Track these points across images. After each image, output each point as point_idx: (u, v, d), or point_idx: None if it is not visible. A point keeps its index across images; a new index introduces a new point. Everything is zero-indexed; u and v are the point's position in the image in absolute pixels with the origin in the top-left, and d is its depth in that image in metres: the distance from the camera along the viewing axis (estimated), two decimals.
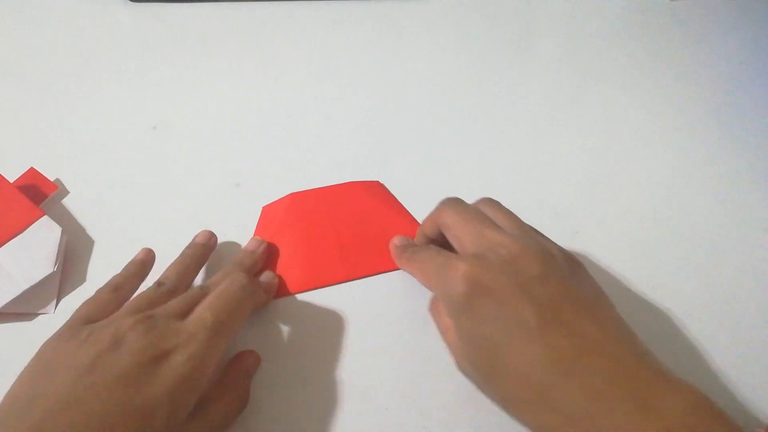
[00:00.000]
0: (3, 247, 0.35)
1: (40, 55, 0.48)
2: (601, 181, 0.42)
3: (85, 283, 0.36)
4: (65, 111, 0.44)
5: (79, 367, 0.25)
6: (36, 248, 0.36)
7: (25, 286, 0.34)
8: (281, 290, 0.35)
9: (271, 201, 0.39)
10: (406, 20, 0.51)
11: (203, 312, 0.28)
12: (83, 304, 0.30)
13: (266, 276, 0.35)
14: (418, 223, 0.37)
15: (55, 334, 0.28)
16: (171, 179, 0.41)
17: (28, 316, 0.34)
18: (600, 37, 0.51)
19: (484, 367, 0.26)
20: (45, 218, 0.36)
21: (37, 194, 0.39)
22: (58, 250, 0.35)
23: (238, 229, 0.38)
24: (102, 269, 0.37)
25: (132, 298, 0.30)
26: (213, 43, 0.49)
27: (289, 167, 0.42)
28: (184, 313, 0.28)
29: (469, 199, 0.35)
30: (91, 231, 0.38)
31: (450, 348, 0.30)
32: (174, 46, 0.49)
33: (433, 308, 0.32)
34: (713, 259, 0.38)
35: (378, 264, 0.36)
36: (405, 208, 0.39)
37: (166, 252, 0.37)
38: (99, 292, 0.31)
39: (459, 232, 0.30)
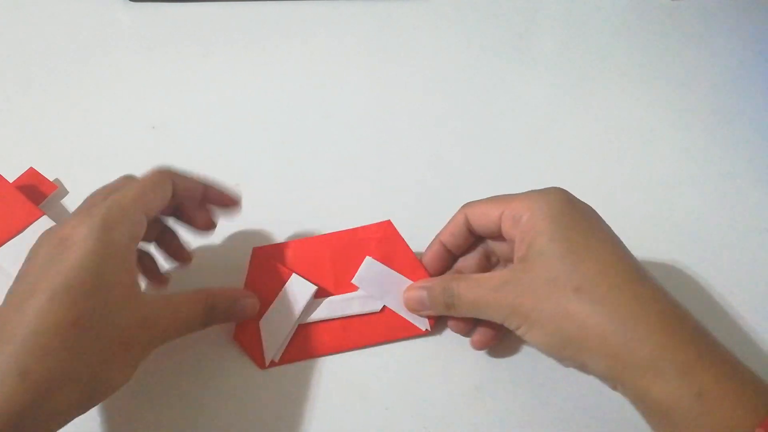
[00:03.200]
0: (3, 247, 0.35)
1: (39, 55, 0.48)
2: (601, 180, 0.42)
3: None
4: (65, 111, 0.44)
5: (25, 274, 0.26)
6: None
7: None
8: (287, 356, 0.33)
9: (264, 234, 0.38)
10: (406, 20, 0.51)
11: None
12: None
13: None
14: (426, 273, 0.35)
15: None
16: None
17: None
18: (600, 37, 0.51)
19: (573, 250, 0.27)
20: (44, 218, 0.36)
21: (36, 194, 0.39)
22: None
23: (238, 230, 0.38)
24: None
25: None
26: (213, 43, 0.49)
27: (289, 167, 0.42)
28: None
29: (468, 197, 0.35)
30: None
31: (538, 238, 0.28)
32: (174, 46, 0.49)
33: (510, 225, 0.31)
34: (713, 259, 0.38)
35: (385, 332, 0.34)
36: (413, 255, 0.35)
37: None
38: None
39: (498, 201, 0.31)
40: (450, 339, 0.34)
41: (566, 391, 0.33)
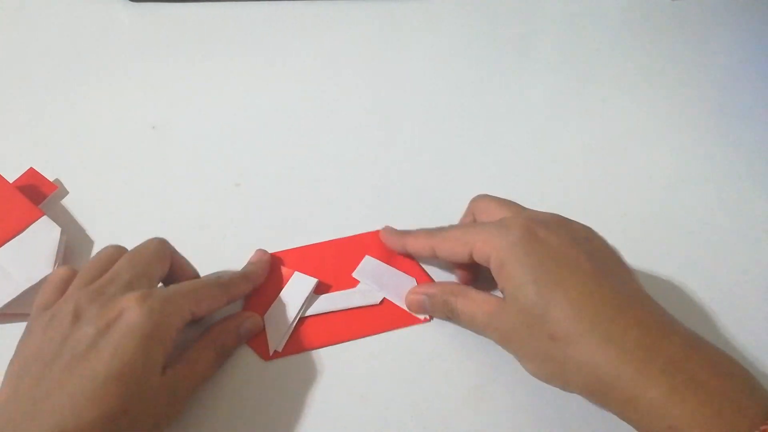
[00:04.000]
0: (3, 247, 0.35)
1: (40, 55, 0.48)
2: (602, 180, 0.42)
3: None
4: (65, 111, 0.44)
5: (49, 354, 0.26)
6: (36, 248, 0.35)
7: (25, 286, 0.34)
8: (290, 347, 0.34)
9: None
10: (406, 20, 0.51)
11: (168, 287, 0.30)
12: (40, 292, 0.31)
13: (254, 257, 0.36)
14: (429, 277, 0.36)
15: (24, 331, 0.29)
16: (171, 179, 0.41)
17: (28, 316, 0.34)
18: (600, 37, 0.51)
19: (543, 295, 0.27)
20: (44, 218, 0.36)
21: (36, 194, 0.39)
22: (58, 251, 0.35)
23: (238, 230, 0.38)
24: None
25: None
26: (213, 43, 0.49)
27: (289, 167, 0.42)
28: (143, 285, 0.29)
29: (468, 197, 0.35)
30: (91, 231, 0.38)
31: (507, 284, 0.29)
32: (174, 46, 0.49)
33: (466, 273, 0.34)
34: (713, 259, 0.38)
35: (385, 323, 0.35)
36: (412, 258, 0.37)
37: None
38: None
39: (498, 211, 0.32)
40: (450, 339, 0.34)
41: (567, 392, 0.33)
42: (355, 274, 0.35)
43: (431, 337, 0.34)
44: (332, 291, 0.35)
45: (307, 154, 0.43)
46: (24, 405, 0.25)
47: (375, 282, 0.35)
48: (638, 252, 0.38)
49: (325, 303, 0.35)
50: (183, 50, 0.49)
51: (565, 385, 0.28)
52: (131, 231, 0.38)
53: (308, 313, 0.35)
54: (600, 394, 0.26)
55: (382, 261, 0.36)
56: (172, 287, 0.30)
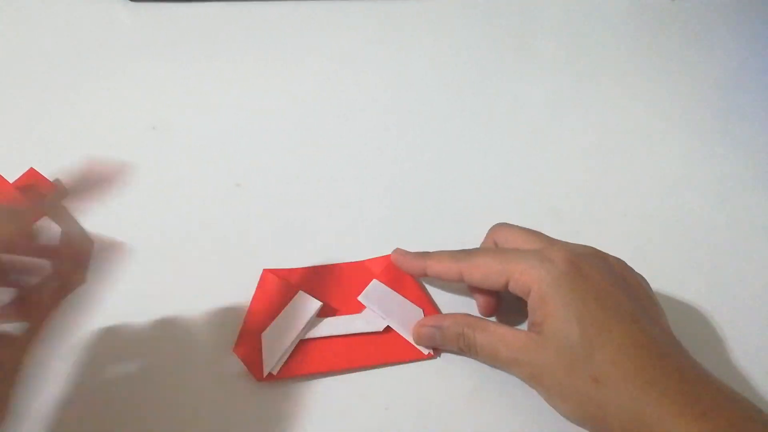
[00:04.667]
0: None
1: (40, 55, 0.47)
2: (602, 181, 0.42)
3: (84, 285, 0.36)
4: (65, 111, 0.44)
5: None
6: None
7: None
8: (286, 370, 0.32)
9: (274, 265, 0.38)
10: (406, 20, 0.51)
11: None
12: None
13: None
14: (436, 309, 0.35)
15: None
16: (171, 179, 0.41)
17: None
18: (600, 38, 0.51)
19: (587, 336, 0.27)
20: (44, 219, 0.36)
21: (36, 194, 0.39)
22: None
23: (239, 230, 0.38)
24: (101, 270, 0.37)
25: None
26: (213, 43, 0.49)
27: (289, 167, 0.42)
28: None
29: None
30: (91, 231, 0.38)
31: (548, 319, 0.28)
32: (174, 46, 0.49)
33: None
34: (714, 259, 0.38)
35: (387, 354, 0.34)
36: (419, 286, 0.36)
37: (165, 251, 0.37)
38: None
39: (525, 241, 0.31)
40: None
41: None
42: (360, 298, 0.34)
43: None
44: (336, 315, 0.34)
45: (308, 154, 0.43)
46: None
47: (381, 308, 0.34)
48: (638, 252, 0.38)
49: (327, 326, 0.34)
50: (183, 50, 0.49)
51: (602, 427, 0.27)
52: (131, 231, 0.38)
53: (308, 335, 0.33)
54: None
55: (390, 287, 0.35)
56: None
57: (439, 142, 0.44)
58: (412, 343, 0.34)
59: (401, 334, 0.34)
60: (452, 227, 0.39)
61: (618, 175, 0.43)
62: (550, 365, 0.27)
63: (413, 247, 0.35)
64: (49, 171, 0.40)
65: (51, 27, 0.49)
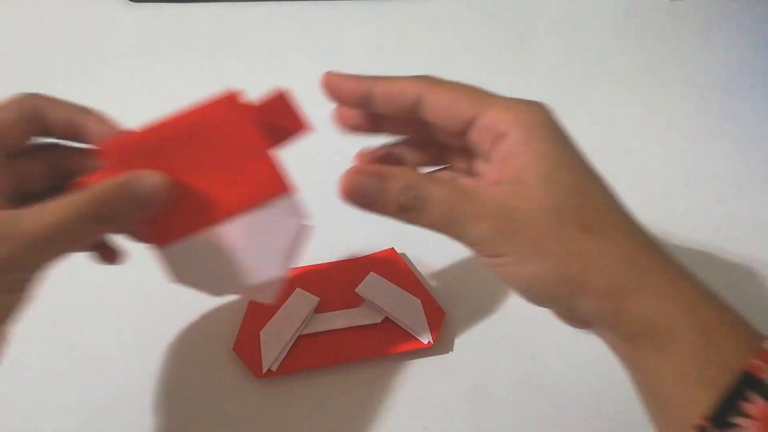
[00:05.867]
0: (239, 218, 0.26)
1: (39, 55, 0.48)
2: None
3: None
4: None
5: None
6: (272, 237, 0.27)
7: (243, 284, 0.27)
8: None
9: None
10: (406, 20, 0.51)
11: None
12: None
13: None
14: (435, 301, 0.35)
15: None
16: None
17: None
18: (600, 37, 0.51)
19: (579, 182, 0.25)
20: (292, 199, 0.27)
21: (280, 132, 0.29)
22: (294, 249, 0.27)
23: None
24: (102, 271, 0.37)
25: None
26: (213, 43, 0.49)
27: (289, 167, 0.42)
28: None
29: None
30: None
31: (539, 163, 0.24)
32: (174, 46, 0.49)
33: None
34: (714, 259, 0.38)
35: (386, 346, 0.33)
36: (416, 278, 0.36)
37: None
38: None
39: (471, 97, 0.25)
40: (438, 340, 0.34)
41: (567, 391, 0.33)
42: (358, 290, 0.35)
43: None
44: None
45: (307, 154, 0.43)
46: None
47: (378, 299, 0.34)
48: None
49: (325, 321, 0.34)
50: (183, 50, 0.49)
51: (575, 292, 0.23)
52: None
53: (306, 331, 0.34)
54: (622, 302, 0.23)
55: (387, 279, 0.35)
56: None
57: None
58: (410, 332, 0.34)
59: (400, 324, 0.34)
60: None
61: (617, 174, 0.42)
62: (532, 216, 0.23)
63: (412, 247, 0.35)
64: None
65: (51, 27, 0.49)
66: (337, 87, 0.27)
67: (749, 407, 0.22)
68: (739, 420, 0.22)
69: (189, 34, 0.50)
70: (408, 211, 0.24)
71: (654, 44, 0.51)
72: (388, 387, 0.33)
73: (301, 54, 0.49)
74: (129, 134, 0.28)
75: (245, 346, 0.33)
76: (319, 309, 0.34)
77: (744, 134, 0.45)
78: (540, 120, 0.25)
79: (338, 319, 0.34)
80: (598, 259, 0.23)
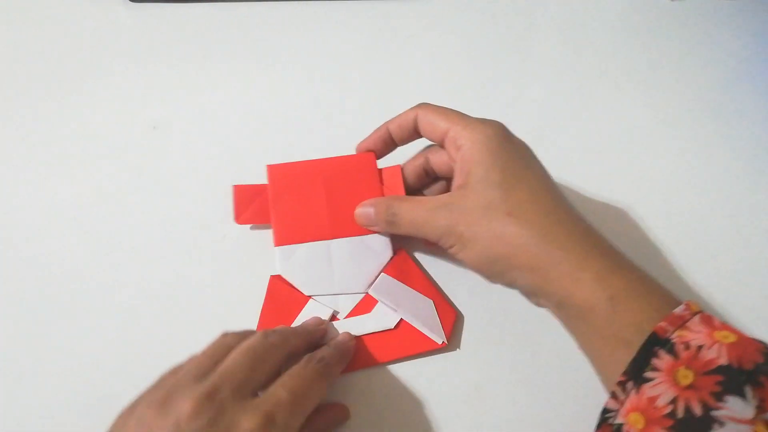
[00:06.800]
0: (351, 238, 0.36)
1: (40, 55, 0.48)
2: (601, 181, 0.42)
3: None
4: (65, 111, 0.44)
5: None
6: (368, 257, 0.36)
7: (336, 289, 0.35)
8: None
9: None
10: (406, 20, 0.51)
11: (278, 390, 0.27)
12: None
13: (341, 338, 0.33)
14: (444, 298, 0.36)
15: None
16: (172, 179, 0.41)
17: None
18: (600, 38, 0.51)
19: (506, 180, 0.30)
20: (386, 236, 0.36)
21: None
22: (376, 272, 0.35)
23: (240, 230, 0.38)
24: (102, 271, 0.37)
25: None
26: (213, 43, 0.49)
27: None
28: (255, 387, 0.27)
29: None
30: (92, 231, 0.38)
31: (476, 167, 0.31)
32: (175, 46, 0.49)
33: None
34: (713, 259, 0.38)
35: (401, 348, 0.34)
36: (425, 278, 0.37)
37: (166, 251, 0.37)
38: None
39: (448, 116, 0.33)
40: (450, 339, 0.34)
41: (566, 391, 0.33)
42: (371, 292, 0.35)
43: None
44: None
45: (307, 154, 0.43)
46: None
47: (392, 301, 0.35)
48: (637, 252, 0.38)
49: (339, 331, 0.34)
50: (183, 50, 0.49)
51: (507, 269, 0.29)
52: (131, 231, 0.38)
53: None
54: (545, 273, 0.28)
55: (398, 280, 0.35)
56: (283, 400, 0.26)
57: None
58: (424, 332, 0.34)
59: (413, 325, 0.34)
60: None
61: (617, 174, 0.43)
62: (469, 210, 0.30)
63: (420, 248, 0.35)
64: (48, 171, 0.40)
65: (51, 27, 0.49)
66: (367, 148, 0.38)
67: (657, 362, 0.25)
68: (649, 374, 0.25)
69: (190, 34, 0.50)
70: (391, 224, 0.34)
71: (654, 44, 0.51)
72: (390, 387, 0.33)
73: (301, 54, 0.49)
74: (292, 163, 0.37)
75: None
76: (332, 318, 0.34)
77: (744, 134, 0.45)
78: (489, 134, 0.32)
79: (352, 329, 0.34)
80: (519, 238, 0.29)
